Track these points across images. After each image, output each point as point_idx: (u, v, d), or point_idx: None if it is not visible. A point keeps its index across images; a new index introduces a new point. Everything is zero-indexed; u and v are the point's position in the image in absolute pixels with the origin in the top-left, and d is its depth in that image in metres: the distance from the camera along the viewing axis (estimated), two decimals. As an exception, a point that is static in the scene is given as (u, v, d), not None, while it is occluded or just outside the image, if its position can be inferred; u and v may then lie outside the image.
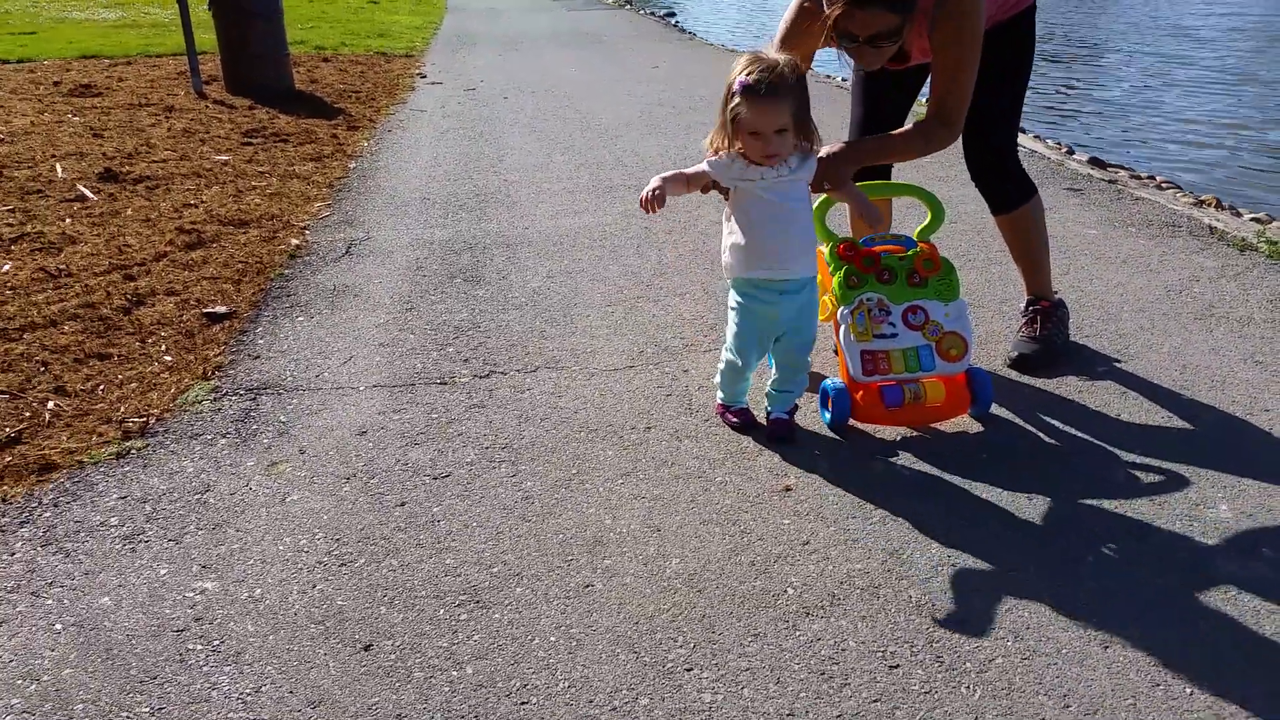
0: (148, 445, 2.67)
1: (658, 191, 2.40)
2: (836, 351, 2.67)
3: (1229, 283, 3.63)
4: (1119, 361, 3.02)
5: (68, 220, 4.56)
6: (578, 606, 1.99)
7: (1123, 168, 5.92)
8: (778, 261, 2.45)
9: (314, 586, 2.07)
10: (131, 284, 3.82)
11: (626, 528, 2.25)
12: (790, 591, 2.01)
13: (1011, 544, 2.16)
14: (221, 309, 3.61)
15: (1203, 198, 5.16)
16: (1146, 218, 4.48)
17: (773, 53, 2.36)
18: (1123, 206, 4.69)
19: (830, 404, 2.63)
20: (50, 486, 2.47)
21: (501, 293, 3.76)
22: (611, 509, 2.33)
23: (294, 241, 4.39)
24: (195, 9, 8.02)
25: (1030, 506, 2.30)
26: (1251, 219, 4.78)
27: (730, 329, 2.57)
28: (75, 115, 6.88)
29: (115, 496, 2.43)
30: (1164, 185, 5.58)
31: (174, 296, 3.72)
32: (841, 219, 3.35)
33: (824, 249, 2.71)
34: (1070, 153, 6.09)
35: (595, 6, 19.54)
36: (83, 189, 5.04)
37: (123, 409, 2.89)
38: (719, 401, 2.73)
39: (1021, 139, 6.29)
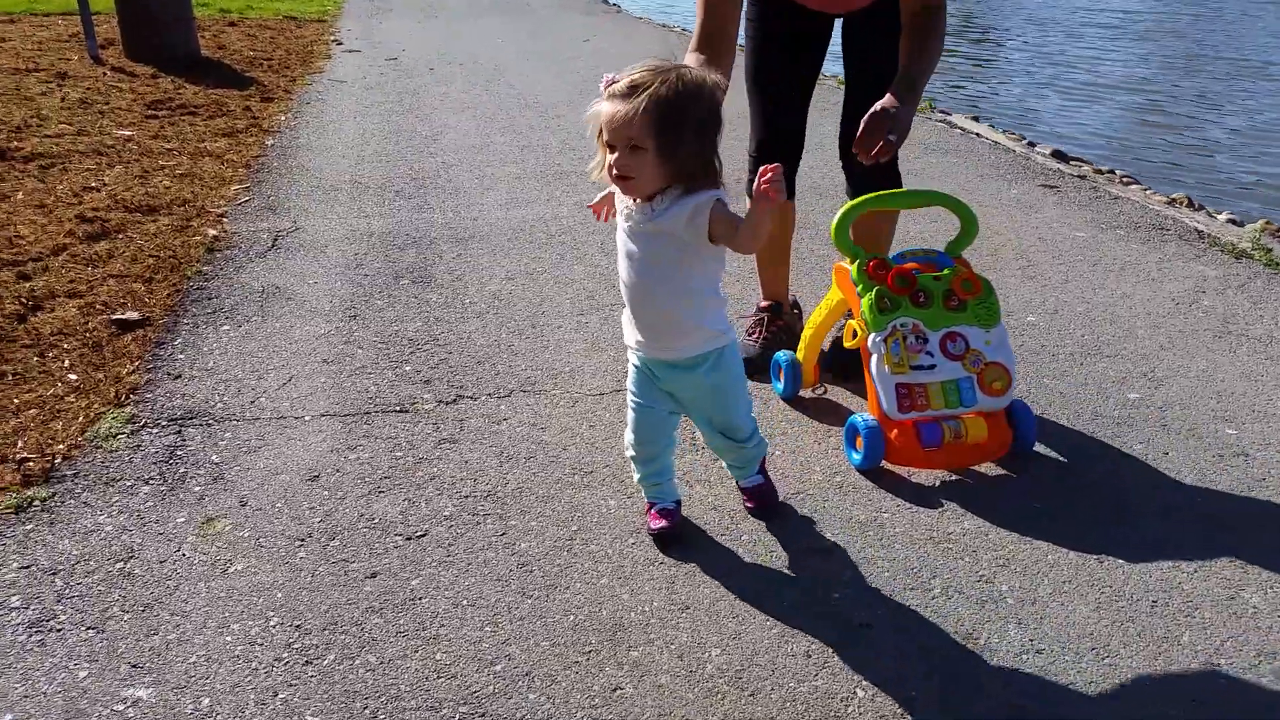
0: (54, 494, 2.22)
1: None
2: (865, 381, 2.35)
3: (1236, 295, 3.42)
4: (1149, 386, 2.77)
5: (-54, 204, 3.98)
6: (608, 718, 1.64)
7: (1084, 161, 5.74)
8: (646, 336, 1.95)
9: (275, 695, 1.68)
10: (26, 284, 3.30)
11: (649, 605, 1.90)
12: (861, 693, 1.69)
13: (1096, 621, 1.87)
14: (133, 314, 3.14)
15: (1174, 196, 4.99)
16: (1131, 219, 4.27)
17: (689, 59, 1.90)
18: (1103, 206, 4.48)
19: (860, 444, 2.31)
20: (-70, 553, 2.02)
21: (457, 297, 3.35)
22: (626, 579, 1.97)
23: (211, 232, 3.91)
24: (88, -36, 7.31)
25: (1105, 573, 2.01)
26: (1228, 220, 4.63)
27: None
28: (-49, 79, 6.17)
29: (16, 566, 1.99)
30: (1126, 180, 5.42)
31: (77, 299, 3.23)
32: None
33: (850, 266, 2.38)
34: (1032, 145, 5.88)
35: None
36: (-37, 167, 4.44)
37: (20, 444, 2.42)
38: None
39: (981, 130, 6.08)
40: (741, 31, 2.47)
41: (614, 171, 1.78)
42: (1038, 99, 9.19)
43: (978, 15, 15.78)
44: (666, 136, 1.72)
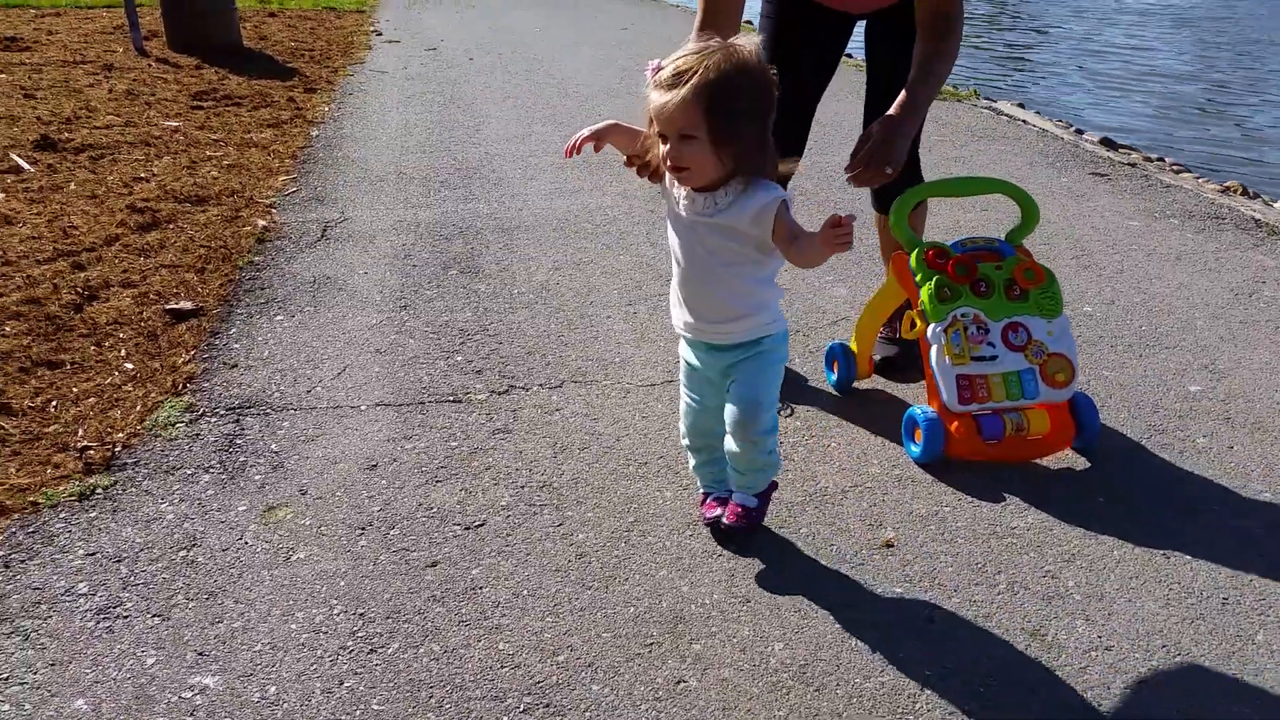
0: (115, 482, 2.24)
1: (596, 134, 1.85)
2: (924, 374, 2.32)
3: (1297, 284, 3.36)
4: (1210, 378, 2.72)
5: (1, 196, 4.03)
6: (673, 712, 1.63)
7: (1134, 149, 5.65)
8: (697, 318, 1.90)
9: (341, 683, 1.68)
10: (81, 274, 3.34)
11: (709, 598, 1.89)
12: (929, 690, 1.67)
13: (1165, 618, 1.84)
14: (186, 304, 3.16)
15: (1227, 184, 4.90)
16: (1185, 208, 4.20)
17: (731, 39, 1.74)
18: (1155, 194, 4.40)
19: (919, 436, 2.28)
20: (0, 538, 2.04)
21: (505, 287, 3.35)
22: (685, 571, 1.96)
23: (260, 222, 3.93)
24: (133, -44, 7.38)
25: (1173, 569, 1.98)
26: (1285, 208, 4.54)
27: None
28: (2, 73, 6.24)
29: (82, 553, 2.01)
30: (1177, 168, 5.33)
31: (131, 289, 3.26)
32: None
33: (909, 255, 2.36)
34: (1080, 132, 5.80)
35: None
36: (17, 159, 4.50)
37: (81, 433, 2.45)
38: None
39: (1027, 116, 6.00)
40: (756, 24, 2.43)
41: (668, 163, 1.75)
42: (1078, 87, 9.05)
43: (1015, 2, 15.57)
44: (719, 122, 1.68)
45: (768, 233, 1.78)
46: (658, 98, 1.70)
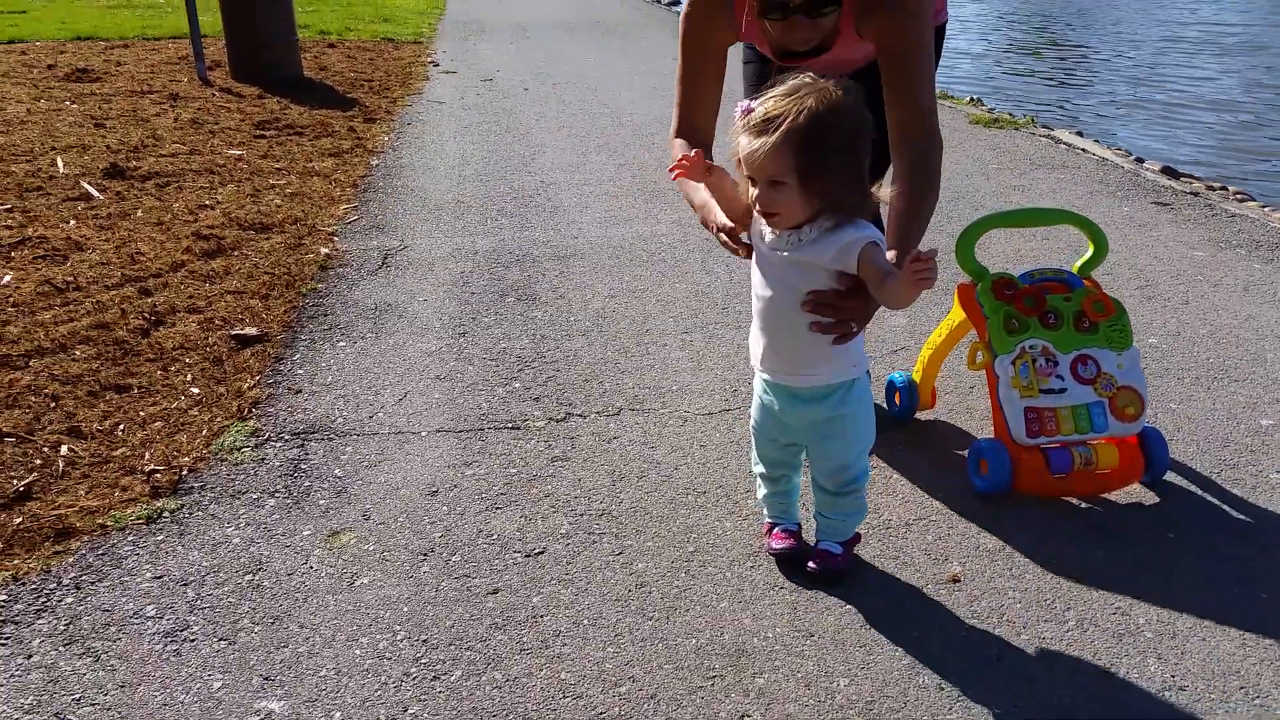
0: (182, 506, 2.28)
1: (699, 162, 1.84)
2: (992, 406, 2.29)
3: (1371, 317, 3.27)
4: (1283, 413, 2.66)
5: (72, 222, 4.14)
6: (738, 746, 1.61)
7: (1195, 178, 5.56)
8: (774, 358, 1.89)
9: (405, 710, 1.69)
10: (148, 299, 3.41)
11: (772, 631, 1.87)
12: (998, 729, 1.64)
13: (1242, 658, 1.79)
14: (251, 330, 3.21)
15: (1294, 213, 4.80)
16: (1252, 238, 4.12)
17: (808, 79, 1.71)
18: (1220, 224, 4.32)
19: (986, 469, 2.25)
20: (70, 560, 2.08)
21: (562, 314, 3.37)
22: (747, 604, 1.94)
23: (323, 250, 3.99)
24: (200, -10, 7.57)
25: (1248, 607, 1.92)
26: (1355, 239, 4.43)
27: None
28: (73, 103, 6.43)
29: (150, 576, 2.04)
30: (1241, 197, 5.23)
31: (196, 314, 3.32)
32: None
33: (975, 286, 2.33)
34: (1140, 161, 5.72)
35: (600, -7, 19.06)
36: (87, 186, 4.62)
37: (148, 456, 2.49)
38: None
39: (1086, 145, 5.93)
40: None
41: (758, 208, 1.75)
42: (1133, 117, 8.93)
43: (1062, 31, 15.44)
44: (809, 170, 1.67)
45: (851, 269, 1.75)
46: (747, 143, 1.69)
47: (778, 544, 2.05)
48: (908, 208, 1.95)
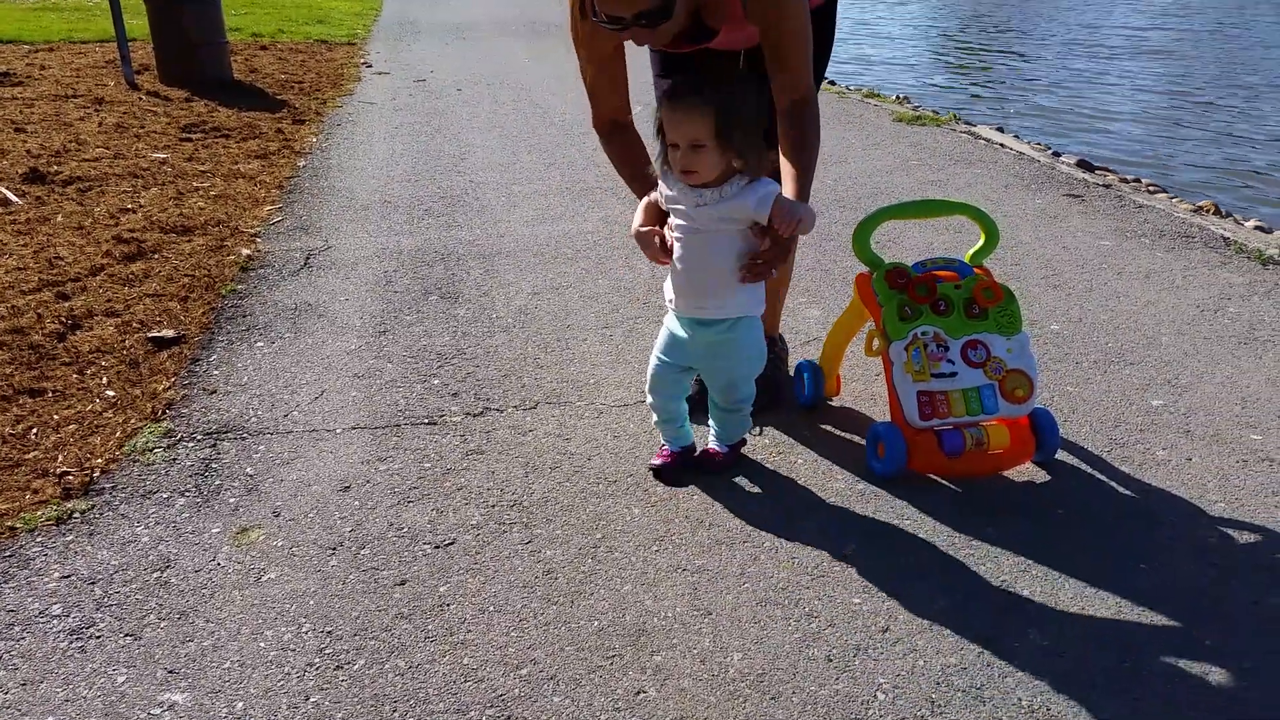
0: (93, 507, 2.28)
1: (658, 238, 2.21)
2: (888, 391, 2.37)
3: (1262, 301, 3.41)
4: (1172, 393, 2.77)
5: (-12, 228, 4.09)
6: (631, 721, 1.66)
7: (1110, 170, 5.73)
8: (691, 295, 2.22)
9: (307, 699, 1.72)
10: (65, 304, 3.39)
11: (671, 611, 1.93)
12: (881, 697, 1.70)
13: (1124, 626, 1.88)
14: (169, 332, 3.21)
15: (1200, 204, 4.97)
16: (1157, 228, 4.26)
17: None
18: (1128, 214, 4.47)
19: (883, 451, 2.33)
20: (-24, 563, 2.08)
21: (484, 312, 3.41)
22: (650, 585, 2.00)
23: (245, 251, 3.99)
24: (124, -8, 7.48)
25: (1128, 578, 2.02)
26: (1256, 227, 4.61)
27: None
28: (-7, 107, 6.33)
29: (57, 575, 2.04)
30: (1152, 189, 5.40)
31: (114, 318, 3.31)
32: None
33: (871, 276, 2.41)
34: (1057, 155, 5.88)
35: (539, -6, 19.05)
36: (5, 192, 4.56)
37: (60, 459, 2.49)
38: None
39: (1006, 140, 6.08)
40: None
41: (679, 169, 2.06)
42: (1066, 115, 9.14)
43: (1003, 30, 15.75)
44: (724, 133, 2.01)
45: (765, 216, 2.07)
46: (670, 114, 2.05)
47: (656, 460, 2.40)
48: (797, 165, 2.19)
